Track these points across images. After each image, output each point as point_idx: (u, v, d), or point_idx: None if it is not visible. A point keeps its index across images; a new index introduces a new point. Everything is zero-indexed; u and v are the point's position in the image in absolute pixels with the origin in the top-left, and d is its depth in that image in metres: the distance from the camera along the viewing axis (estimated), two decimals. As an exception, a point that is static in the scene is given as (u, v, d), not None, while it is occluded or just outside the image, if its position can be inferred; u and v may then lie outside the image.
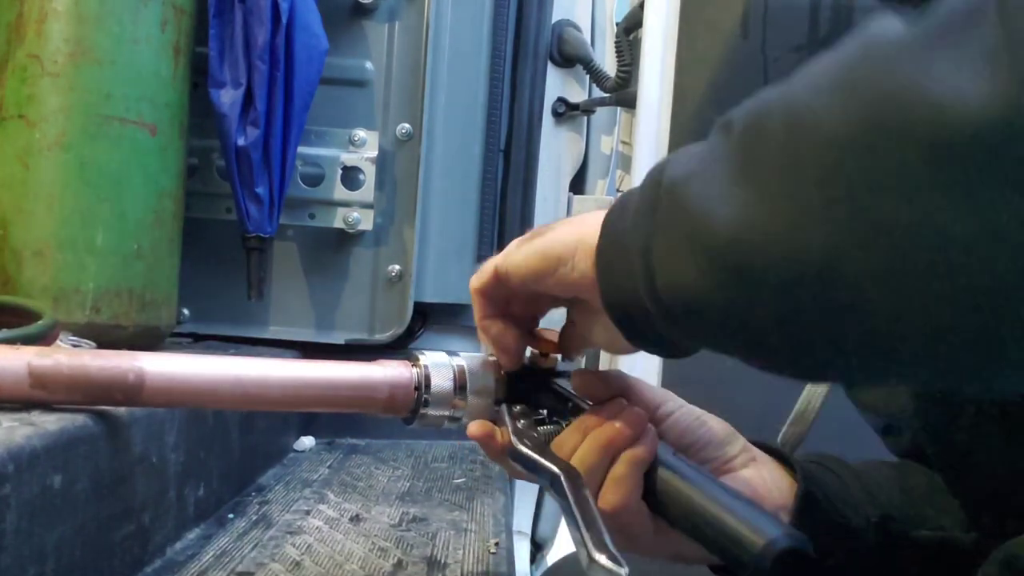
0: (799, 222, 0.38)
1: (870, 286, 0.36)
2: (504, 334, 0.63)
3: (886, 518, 0.64)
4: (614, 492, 0.57)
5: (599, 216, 0.53)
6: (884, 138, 0.35)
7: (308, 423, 1.34)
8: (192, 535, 0.81)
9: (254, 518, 0.89)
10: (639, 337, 0.52)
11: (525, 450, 0.60)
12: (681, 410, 0.64)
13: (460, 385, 0.63)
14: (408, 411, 0.64)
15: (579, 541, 0.51)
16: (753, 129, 0.42)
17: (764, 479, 0.63)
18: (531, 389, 0.65)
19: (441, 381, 0.63)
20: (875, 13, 0.39)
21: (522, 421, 0.63)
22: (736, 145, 0.43)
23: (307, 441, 1.31)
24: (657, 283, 0.46)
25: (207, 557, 0.76)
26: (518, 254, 0.59)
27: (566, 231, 0.56)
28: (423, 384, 0.63)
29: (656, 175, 0.48)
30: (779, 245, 0.39)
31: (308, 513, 0.91)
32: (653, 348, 0.53)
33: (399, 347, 1.41)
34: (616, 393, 0.62)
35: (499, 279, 0.60)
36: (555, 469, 0.57)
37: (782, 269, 0.39)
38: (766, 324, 0.41)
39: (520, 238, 0.60)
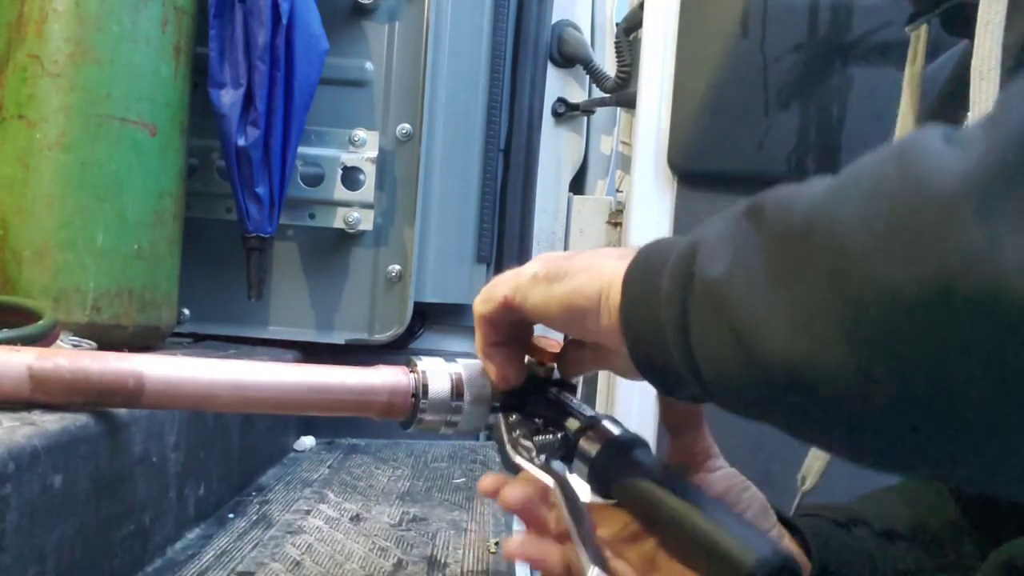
0: (854, 356, 0.37)
1: (928, 429, 0.36)
2: (508, 362, 0.63)
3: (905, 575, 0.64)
4: None
5: (617, 266, 0.52)
6: (952, 308, 0.33)
7: (308, 423, 1.34)
8: (192, 535, 0.81)
9: (254, 518, 0.89)
10: (671, 393, 0.52)
11: (520, 460, 0.60)
12: (728, 469, 0.63)
13: (457, 392, 0.63)
14: (405, 416, 0.64)
15: (573, 553, 0.51)
16: (796, 238, 0.40)
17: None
18: (527, 398, 0.65)
19: (438, 387, 0.63)
20: (919, 131, 0.37)
21: (517, 430, 0.63)
22: (776, 247, 0.41)
23: (307, 441, 1.31)
24: (701, 370, 0.45)
25: (207, 557, 0.76)
26: (536, 295, 0.57)
27: (586, 281, 0.54)
28: (420, 390, 0.63)
29: (686, 259, 0.47)
30: (830, 367, 0.38)
31: (308, 513, 0.92)
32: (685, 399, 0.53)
33: (399, 347, 1.41)
34: (692, 426, 0.61)
35: (510, 309, 0.59)
36: (550, 480, 0.57)
37: (832, 387, 0.38)
38: (810, 420, 0.42)
39: (531, 267, 0.58)
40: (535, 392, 0.65)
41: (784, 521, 0.64)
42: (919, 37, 0.65)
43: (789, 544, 0.63)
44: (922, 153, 0.35)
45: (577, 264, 0.55)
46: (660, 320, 0.47)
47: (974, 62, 0.51)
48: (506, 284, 0.59)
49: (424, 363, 0.64)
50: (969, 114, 0.52)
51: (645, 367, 0.51)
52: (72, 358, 0.59)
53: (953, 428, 0.35)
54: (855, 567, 0.63)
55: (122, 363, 0.59)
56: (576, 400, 0.64)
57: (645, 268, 0.50)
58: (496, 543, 0.84)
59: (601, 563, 0.50)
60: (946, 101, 0.67)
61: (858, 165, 0.39)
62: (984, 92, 0.50)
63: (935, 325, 0.34)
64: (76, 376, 0.58)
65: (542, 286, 0.56)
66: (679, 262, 0.47)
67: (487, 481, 0.62)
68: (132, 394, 0.58)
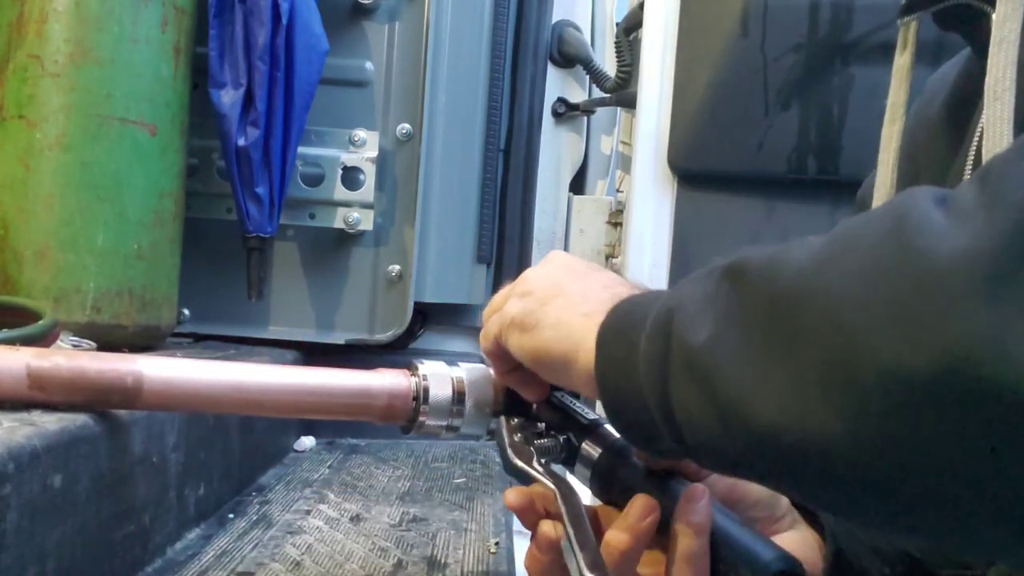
0: (850, 432, 0.37)
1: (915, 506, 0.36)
2: (526, 382, 0.62)
3: (912, 561, 0.64)
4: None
5: (586, 324, 0.52)
6: (957, 393, 0.33)
7: (308, 423, 1.34)
8: (192, 535, 0.81)
9: (254, 518, 0.89)
10: (647, 449, 0.52)
11: (521, 464, 0.60)
12: None
13: (459, 396, 0.63)
14: (406, 420, 0.63)
15: (573, 562, 0.51)
16: (785, 308, 0.39)
17: (808, 541, 0.62)
18: (530, 402, 0.65)
19: (440, 392, 0.63)
20: (911, 196, 0.36)
21: (519, 434, 0.63)
22: (762, 317, 0.40)
23: (307, 441, 1.31)
24: (683, 435, 0.45)
25: (207, 557, 0.76)
26: (512, 342, 0.57)
27: (554, 339, 0.54)
28: (421, 394, 0.62)
29: (663, 322, 0.46)
30: (825, 440, 0.38)
31: (308, 513, 0.91)
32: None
33: (399, 347, 1.41)
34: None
35: (501, 346, 0.59)
36: (551, 485, 0.57)
37: (825, 458, 0.38)
38: (799, 482, 0.42)
39: (514, 305, 0.57)
40: None
41: (797, 505, 0.64)
42: (909, 28, 0.65)
43: (804, 530, 0.63)
44: (920, 225, 0.35)
45: (547, 317, 0.55)
46: (638, 384, 0.47)
47: (988, 81, 0.51)
48: (495, 322, 0.59)
49: (425, 367, 0.64)
50: (979, 132, 0.52)
51: (622, 426, 0.51)
52: (70, 357, 0.59)
53: (944, 507, 0.35)
54: (863, 560, 0.63)
55: (120, 363, 0.59)
56: (579, 403, 0.64)
57: (619, 330, 0.50)
58: (496, 543, 0.84)
59: (599, 570, 0.49)
60: (952, 110, 0.67)
61: (849, 231, 0.38)
62: (997, 113, 0.50)
63: (937, 408, 0.33)
64: (74, 375, 0.58)
65: (516, 333, 0.57)
66: (657, 325, 0.46)
67: (515, 496, 0.60)
68: (130, 393, 0.58)
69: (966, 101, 0.63)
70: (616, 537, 0.52)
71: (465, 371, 0.64)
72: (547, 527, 0.56)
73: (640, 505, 0.53)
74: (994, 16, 0.51)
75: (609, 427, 0.60)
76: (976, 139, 0.56)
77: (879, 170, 0.66)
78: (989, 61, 0.51)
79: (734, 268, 0.43)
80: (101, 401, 0.60)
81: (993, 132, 0.50)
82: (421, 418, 0.63)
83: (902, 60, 0.65)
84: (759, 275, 0.41)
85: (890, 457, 0.35)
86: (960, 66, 0.68)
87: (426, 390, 0.63)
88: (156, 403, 0.60)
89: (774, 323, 0.39)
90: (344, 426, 1.39)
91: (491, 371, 0.65)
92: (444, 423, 0.64)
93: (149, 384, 0.59)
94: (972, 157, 0.57)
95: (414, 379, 0.63)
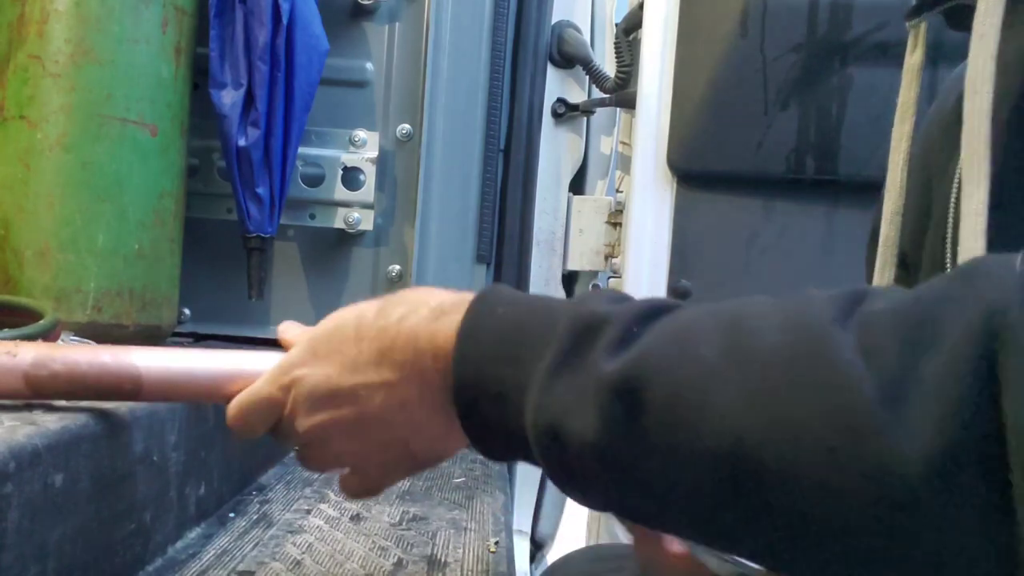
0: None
1: None
2: None
3: None
4: None
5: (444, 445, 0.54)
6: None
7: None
8: (193, 534, 0.82)
9: (255, 517, 0.89)
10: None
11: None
12: None
13: None
14: None
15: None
16: (713, 464, 0.38)
17: None
18: None
19: None
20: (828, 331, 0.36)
21: None
22: (668, 469, 0.39)
23: (307, 441, 1.31)
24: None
25: (208, 556, 0.76)
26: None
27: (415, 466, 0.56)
28: None
29: (544, 444, 0.44)
30: None
31: (309, 512, 0.92)
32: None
33: (399, 347, 1.41)
34: None
35: None
36: None
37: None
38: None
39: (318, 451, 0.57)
40: None
41: None
42: (919, 29, 0.65)
43: None
44: (871, 436, 0.34)
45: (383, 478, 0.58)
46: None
47: (968, 74, 0.51)
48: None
49: None
50: (963, 131, 0.52)
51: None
52: (68, 361, 0.59)
53: None
54: None
55: (120, 366, 0.59)
56: None
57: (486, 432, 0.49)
58: (496, 542, 0.84)
59: None
60: (960, 106, 0.67)
61: (766, 368, 0.37)
62: (976, 106, 0.50)
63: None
64: (73, 379, 0.58)
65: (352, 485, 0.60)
66: (540, 446, 0.44)
67: None
68: (130, 394, 0.59)
69: None
70: None
71: None
72: None
73: None
74: (976, 11, 0.52)
75: None
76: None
77: (889, 172, 0.66)
78: (969, 56, 0.51)
79: (627, 385, 0.40)
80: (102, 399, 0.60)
81: (972, 125, 0.50)
82: None
83: (912, 60, 0.65)
84: (668, 408, 0.39)
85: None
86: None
87: None
88: (156, 396, 0.60)
89: (703, 476, 0.38)
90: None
91: None
92: None
93: (148, 381, 0.58)
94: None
95: None
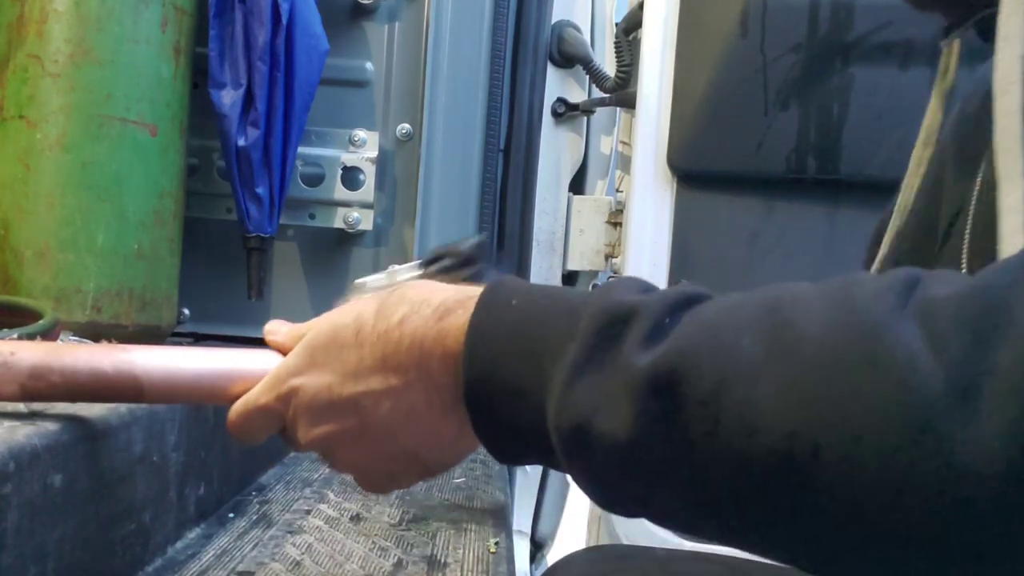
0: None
1: None
2: None
3: None
4: None
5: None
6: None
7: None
8: (193, 534, 0.81)
9: (254, 517, 0.89)
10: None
11: None
12: None
13: None
14: None
15: None
16: (747, 469, 0.36)
17: None
18: None
19: None
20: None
21: None
22: (712, 468, 0.37)
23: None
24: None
25: (208, 556, 0.76)
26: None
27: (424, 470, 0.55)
28: None
29: (574, 441, 0.42)
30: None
31: (308, 512, 0.92)
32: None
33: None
34: None
35: None
36: None
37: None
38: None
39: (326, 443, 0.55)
40: None
41: None
42: (952, 51, 0.62)
43: None
44: (903, 353, 0.33)
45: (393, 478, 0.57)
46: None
47: (996, 76, 0.50)
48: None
49: None
50: (994, 131, 0.52)
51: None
52: (64, 366, 0.58)
53: None
54: None
55: (119, 366, 0.58)
56: None
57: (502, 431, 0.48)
58: (496, 542, 0.84)
59: None
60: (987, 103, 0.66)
61: (817, 358, 0.35)
62: (1007, 106, 0.50)
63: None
64: (70, 384, 0.57)
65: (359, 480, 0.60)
66: (566, 446, 0.42)
67: None
68: (133, 395, 0.58)
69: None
70: None
71: None
72: None
73: None
74: (999, 13, 0.51)
75: None
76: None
77: (902, 193, 0.65)
78: (995, 57, 0.51)
79: (662, 380, 0.38)
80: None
81: (1004, 124, 0.50)
82: None
83: (943, 85, 0.63)
84: (704, 413, 0.36)
85: None
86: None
87: None
88: (158, 399, 0.60)
89: (741, 490, 0.36)
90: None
91: None
92: None
93: (146, 378, 0.58)
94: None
95: None
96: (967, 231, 0.55)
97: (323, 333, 0.54)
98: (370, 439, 0.52)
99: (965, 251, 0.55)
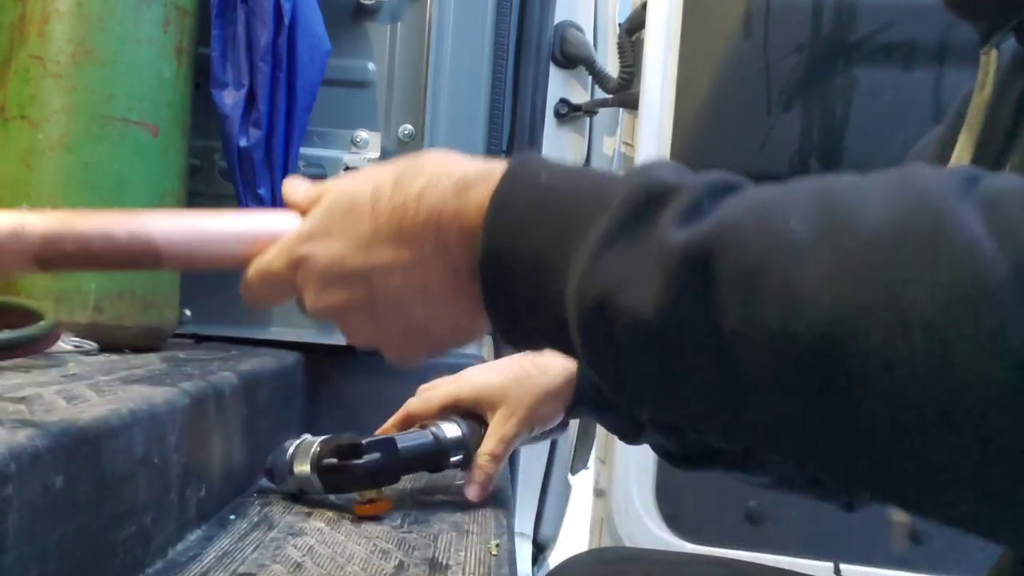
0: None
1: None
2: None
3: None
4: None
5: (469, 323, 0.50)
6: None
7: (309, 423, 1.34)
8: (194, 536, 0.81)
9: (256, 519, 0.89)
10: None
11: None
12: None
13: None
14: None
15: None
16: (806, 343, 0.33)
17: None
18: None
19: None
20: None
21: None
22: (766, 347, 0.34)
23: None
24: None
25: (209, 558, 0.76)
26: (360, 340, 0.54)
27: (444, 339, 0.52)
28: None
29: (594, 312, 0.39)
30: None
31: (310, 514, 0.91)
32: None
33: (401, 348, 1.41)
34: None
35: None
36: None
37: None
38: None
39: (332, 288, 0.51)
40: None
41: None
42: (990, 61, 0.59)
43: None
44: (972, 251, 0.31)
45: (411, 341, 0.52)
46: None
47: None
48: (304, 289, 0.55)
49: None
50: None
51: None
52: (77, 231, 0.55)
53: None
54: None
55: (133, 235, 0.55)
56: None
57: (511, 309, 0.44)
58: (497, 544, 0.84)
59: None
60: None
61: (876, 242, 0.33)
62: None
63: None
64: (87, 254, 0.56)
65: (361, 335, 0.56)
66: (585, 316, 0.39)
67: None
68: (151, 261, 0.56)
69: None
70: None
71: None
72: None
73: None
74: None
75: None
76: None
77: None
78: None
79: (697, 254, 0.35)
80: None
81: None
82: None
83: (981, 97, 0.59)
84: (742, 294, 0.34)
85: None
86: None
87: None
88: (176, 265, 0.58)
89: (795, 367, 0.33)
90: (344, 425, 1.38)
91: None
92: None
93: (166, 249, 0.56)
94: None
95: None
96: None
97: (340, 201, 0.51)
98: (379, 312, 0.50)
99: None
